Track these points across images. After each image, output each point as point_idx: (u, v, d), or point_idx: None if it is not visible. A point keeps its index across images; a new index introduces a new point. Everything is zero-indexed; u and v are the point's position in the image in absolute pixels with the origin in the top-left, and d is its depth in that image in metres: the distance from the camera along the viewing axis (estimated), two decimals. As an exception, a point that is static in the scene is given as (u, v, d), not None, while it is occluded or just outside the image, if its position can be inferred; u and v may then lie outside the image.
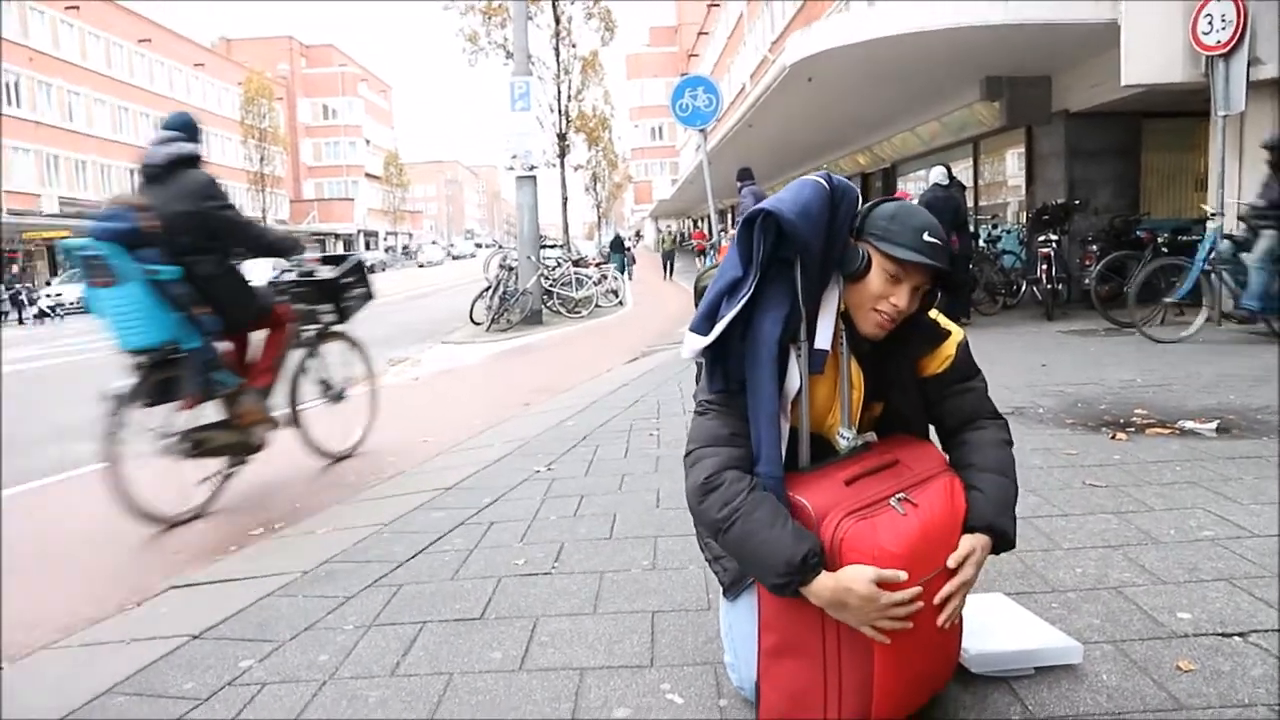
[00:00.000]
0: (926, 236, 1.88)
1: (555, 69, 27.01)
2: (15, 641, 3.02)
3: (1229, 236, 8.28)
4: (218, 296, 4.47)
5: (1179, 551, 2.91)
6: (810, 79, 11.95)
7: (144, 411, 4.29)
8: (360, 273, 5.67)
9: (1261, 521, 3.16)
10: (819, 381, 1.93)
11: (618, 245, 27.13)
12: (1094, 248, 10.32)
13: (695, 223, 45.61)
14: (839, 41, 10.42)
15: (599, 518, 3.64)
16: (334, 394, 5.69)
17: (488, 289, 13.94)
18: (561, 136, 26.04)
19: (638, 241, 55.39)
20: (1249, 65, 8.55)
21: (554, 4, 26.78)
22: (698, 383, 2.30)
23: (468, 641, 2.54)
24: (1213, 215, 8.72)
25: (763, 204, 1.85)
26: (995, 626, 2.29)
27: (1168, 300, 8.32)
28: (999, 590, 2.63)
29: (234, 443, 4.69)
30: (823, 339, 1.90)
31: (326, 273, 5.45)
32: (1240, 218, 8.19)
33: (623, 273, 15.55)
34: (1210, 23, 8.66)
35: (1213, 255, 8.22)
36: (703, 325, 1.89)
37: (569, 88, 27.95)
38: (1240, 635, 2.32)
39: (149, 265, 4.16)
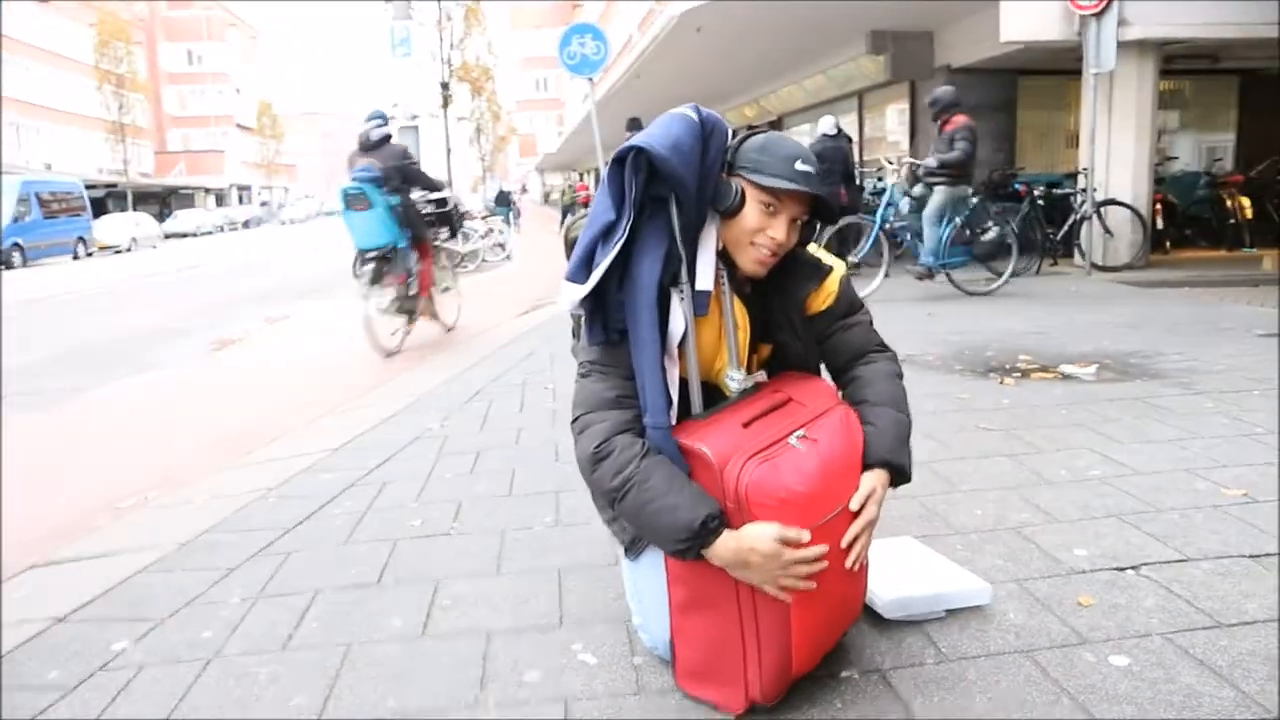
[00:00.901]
0: (799, 165, 1.83)
1: (437, 15, 26.05)
2: None
3: (908, 194, 8.64)
4: (411, 219, 7.22)
5: (1071, 491, 2.99)
6: (699, 29, 11.85)
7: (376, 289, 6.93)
8: (456, 207, 8.24)
9: (1142, 460, 3.28)
10: (703, 326, 1.86)
11: (503, 199, 26.63)
12: (973, 201, 10.60)
13: (580, 175, 45.13)
14: (727, -9, 10.33)
15: (497, 474, 3.52)
16: (443, 288, 8.12)
17: (371, 244, 13.44)
18: (444, 86, 25.22)
19: (523, 195, 54.54)
20: (1119, 25, 8.87)
21: (435, -53, 25.77)
22: (575, 338, 2.21)
23: (364, 609, 2.40)
24: (888, 167, 9.08)
25: (631, 140, 1.76)
26: (906, 571, 2.30)
27: (850, 259, 8.56)
28: (905, 534, 2.65)
29: (416, 308, 7.41)
30: (704, 279, 1.83)
31: (446, 206, 7.88)
32: (916, 176, 8.51)
33: (509, 226, 15.26)
34: (1084, -19, 8.92)
35: (893, 213, 8.59)
36: (579, 274, 1.80)
37: (451, 35, 27.03)
38: (1133, 569, 2.40)
39: (386, 197, 6.90)
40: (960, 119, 8.12)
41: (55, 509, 3.89)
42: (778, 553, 1.64)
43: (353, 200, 6.89)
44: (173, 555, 2.92)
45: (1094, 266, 9.36)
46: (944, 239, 8.23)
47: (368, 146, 7.26)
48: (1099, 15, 8.88)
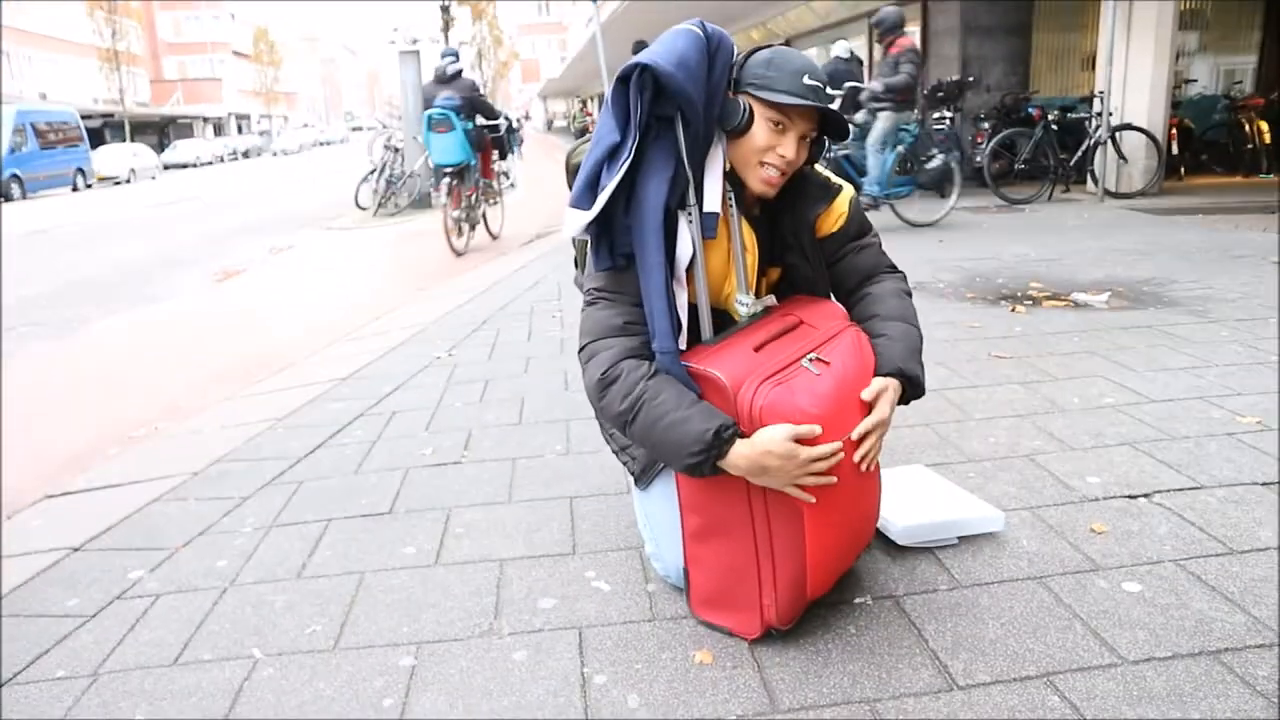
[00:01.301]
0: (807, 79, 1.77)
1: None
2: None
3: (852, 122, 8.29)
4: (481, 142, 8.72)
5: (1084, 419, 2.98)
6: (706, -52, 11.49)
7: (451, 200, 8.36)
8: (510, 130, 9.74)
9: (1156, 388, 3.26)
10: (711, 250, 1.82)
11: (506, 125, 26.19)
12: (985, 125, 10.42)
13: (584, 102, 44.38)
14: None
15: (506, 403, 3.51)
16: (493, 202, 9.48)
17: (372, 172, 13.26)
18: (444, 9, 24.66)
19: (526, 122, 53.64)
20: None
21: None
22: (577, 267, 2.17)
23: (377, 537, 2.42)
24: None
25: (635, 58, 1.70)
26: (918, 498, 2.29)
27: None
28: (918, 462, 2.64)
29: (478, 217, 9.00)
30: (711, 201, 1.79)
31: (499, 131, 9.15)
32: (858, 103, 8.11)
33: (512, 153, 15.05)
34: (1105, -106, 8.60)
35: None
36: (584, 199, 1.75)
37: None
38: (1145, 496, 2.39)
39: (463, 123, 8.35)
40: (905, 41, 7.77)
41: (66, 439, 3.90)
42: (793, 452, 1.62)
43: (437, 124, 8.31)
44: (185, 485, 2.94)
45: (1107, 193, 9.21)
46: (888, 167, 7.90)
47: (444, 79, 8.66)
48: (1121, -69, 8.59)
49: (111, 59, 43.65)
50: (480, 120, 8.72)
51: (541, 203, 11.63)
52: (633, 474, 2.02)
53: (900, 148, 7.87)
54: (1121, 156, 9.35)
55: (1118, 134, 9.27)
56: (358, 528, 2.49)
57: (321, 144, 63.38)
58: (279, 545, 2.42)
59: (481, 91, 8.84)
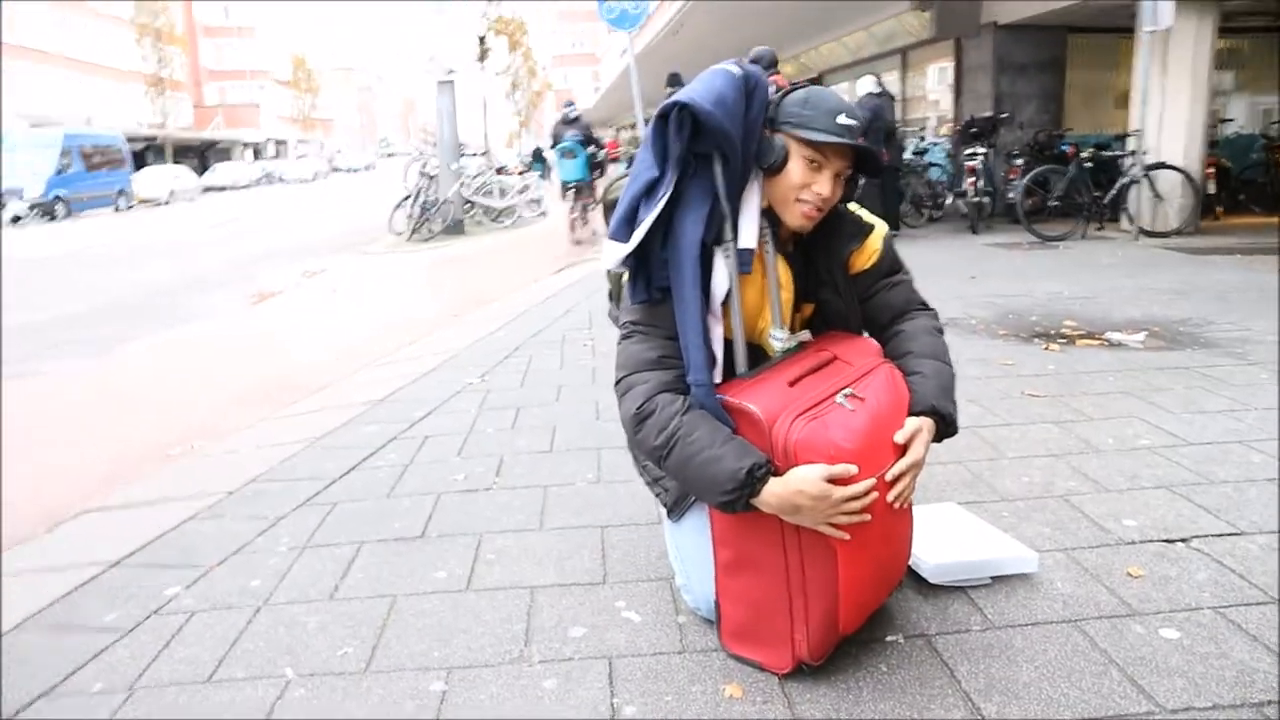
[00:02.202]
0: (842, 119, 1.79)
1: (474, -33, 25.81)
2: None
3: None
4: (594, 165, 11.78)
5: (1119, 460, 2.95)
6: (741, -18, 11.61)
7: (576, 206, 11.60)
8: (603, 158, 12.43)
9: (1194, 430, 3.22)
10: (746, 285, 1.84)
11: (539, 155, 26.49)
12: (1019, 161, 10.37)
13: (616, 131, 44.76)
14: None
15: (538, 430, 3.53)
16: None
17: (407, 198, 13.46)
18: (481, 39, 25.05)
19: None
20: (1177, -21, 8.56)
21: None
22: (611, 300, 2.19)
23: (409, 561, 2.43)
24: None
25: (675, 96, 1.73)
26: (951, 536, 2.28)
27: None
28: (950, 500, 2.62)
29: (589, 218, 11.52)
30: (747, 237, 1.81)
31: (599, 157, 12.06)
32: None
33: (544, 182, 15.16)
34: (1142, -66, 8.60)
35: None
36: (622, 231, 1.78)
37: (488, -12, 26.83)
38: (1183, 541, 2.36)
39: (585, 152, 11.59)
40: (778, 80, 7.81)
41: (105, 455, 3.97)
42: (827, 492, 1.62)
43: (567, 152, 11.59)
44: (221, 503, 2.97)
45: (1142, 231, 9.14)
46: None
47: (568, 121, 12.03)
48: (1157, -30, 8.58)
49: (157, 84, 44.65)
50: (592, 149, 11.81)
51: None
52: (665, 506, 2.02)
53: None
54: (1157, 195, 9.28)
55: (1153, 172, 9.21)
56: (390, 551, 2.51)
57: (343, 170, 61.00)
58: (312, 566, 2.44)
59: (591, 129, 12.34)
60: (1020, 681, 1.77)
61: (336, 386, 4.73)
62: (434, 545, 2.53)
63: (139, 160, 35.53)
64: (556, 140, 11.86)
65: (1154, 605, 2.04)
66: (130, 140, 33.56)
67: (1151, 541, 2.36)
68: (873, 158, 1.89)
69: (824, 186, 1.82)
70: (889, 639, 1.94)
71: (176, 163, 41.65)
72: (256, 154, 58.88)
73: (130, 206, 28.82)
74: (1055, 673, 1.80)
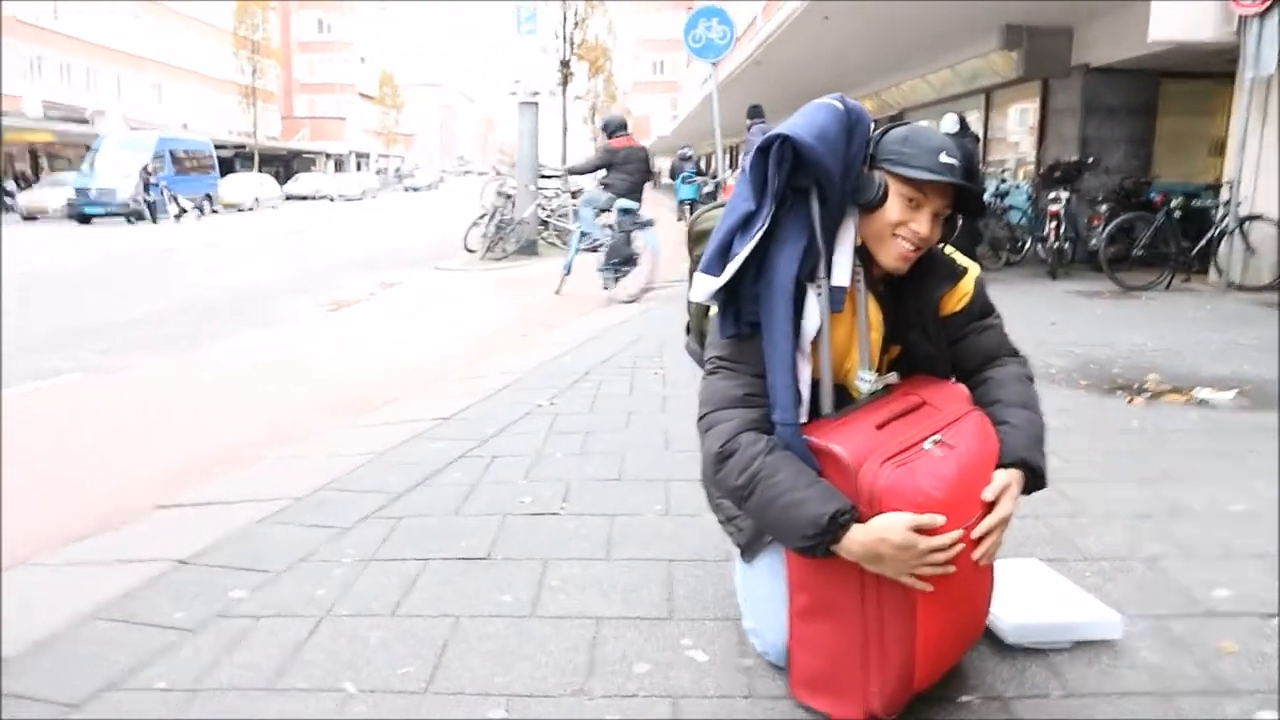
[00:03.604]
0: (943, 157, 1.75)
1: (560, -7, 26.28)
2: (-7, 556, 2.88)
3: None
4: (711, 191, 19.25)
5: (1210, 525, 2.81)
6: (827, 17, 11.60)
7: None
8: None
9: (1291, 497, 3.06)
10: (835, 324, 1.80)
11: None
12: (1103, 208, 10.12)
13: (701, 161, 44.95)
14: (861, -22, 10.07)
15: (606, 457, 3.51)
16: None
17: (483, 216, 13.65)
18: (564, 64, 25.43)
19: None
20: (1283, 26, 8.29)
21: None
22: (689, 334, 2.16)
23: (474, 582, 2.42)
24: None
25: (776, 129, 1.71)
26: (1031, 594, 2.19)
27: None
28: (1030, 556, 2.53)
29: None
30: (841, 274, 1.78)
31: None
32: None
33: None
34: (1246, -20, 8.37)
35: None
36: (715, 265, 1.76)
37: (574, 14, 27.24)
38: (1281, 617, 2.23)
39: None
40: (619, 142, 8.91)
41: (179, 452, 4.06)
42: (911, 542, 1.57)
43: (687, 179, 17.88)
44: (289, 509, 3.01)
45: (1232, 285, 8.83)
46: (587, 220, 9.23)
47: (685, 159, 19.17)
48: (1262, 15, 8.32)
49: (250, 95, 46.25)
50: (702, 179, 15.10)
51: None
52: (738, 546, 1.98)
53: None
54: (1249, 248, 8.95)
55: (1247, 224, 8.89)
56: (455, 570, 2.50)
57: (412, 188, 58.07)
58: (376, 579, 2.45)
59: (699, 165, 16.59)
60: (1104, 756, 1.68)
61: (406, 400, 4.78)
62: (499, 567, 2.52)
63: (227, 167, 36.74)
64: (675, 173, 18.25)
65: (1250, 684, 1.92)
66: (220, 147, 34.77)
67: (1246, 615, 2.23)
68: (974, 197, 1.84)
69: (923, 225, 1.78)
70: (962, 699, 1.86)
71: (262, 171, 42.98)
72: (338, 166, 60.47)
73: (215, 210, 29.69)
74: (1141, 749, 1.70)
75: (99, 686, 1.94)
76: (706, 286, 1.76)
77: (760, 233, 1.72)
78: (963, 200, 1.83)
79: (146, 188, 25.80)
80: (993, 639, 2.07)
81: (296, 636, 2.14)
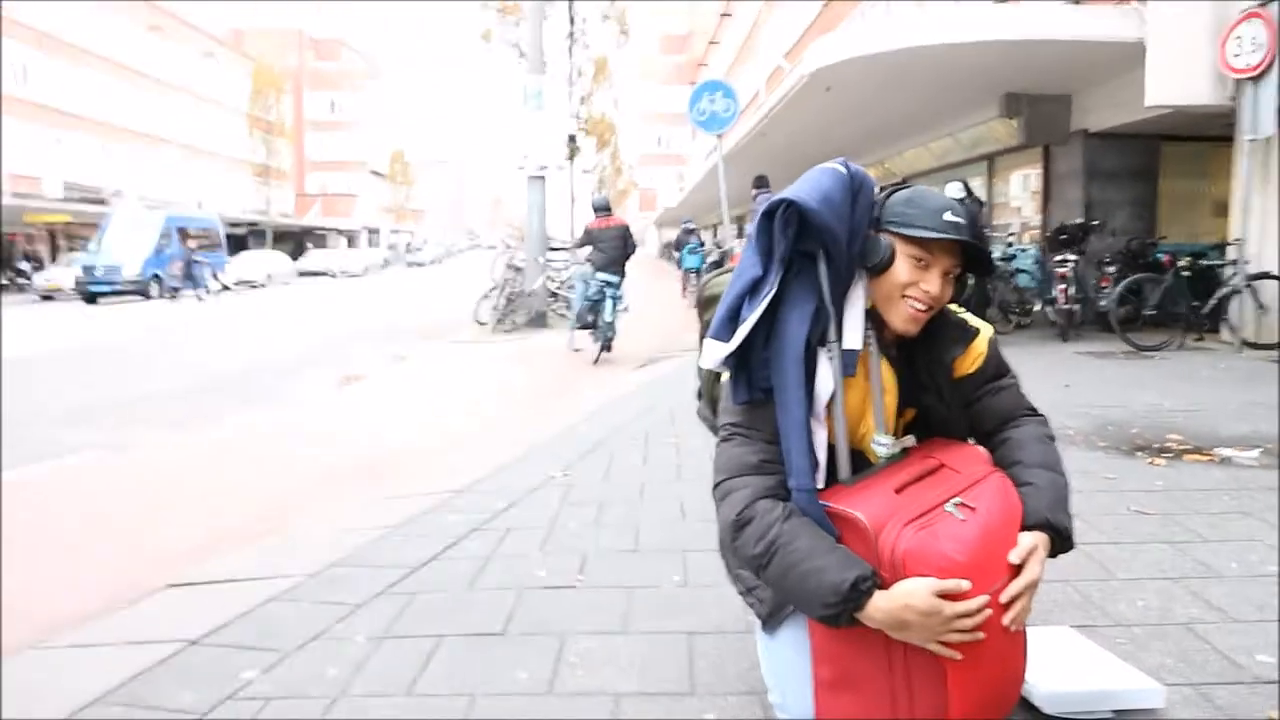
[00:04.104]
0: (948, 216, 1.74)
1: (568, 70, 26.84)
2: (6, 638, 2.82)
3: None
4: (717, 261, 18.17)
5: (1245, 587, 2.74)
6: (829, 88, 11.79)
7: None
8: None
9: (1326, 558, 2.98)
10: (849, 388, 1.77)
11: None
12: (1111, 269, 10.15)
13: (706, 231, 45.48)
14: (862, 51, 10.27)
15: (622, 528, 3.45)
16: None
17: (493, 289, 13.77)
18: (571, 139, 25.85)
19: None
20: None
21: (570, 4, 26.66)
22: (700, 399, 2.14)
23: (490, 659, 2.36)
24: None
25: (781, 194, 1.71)
26: (1066, 662, 2.12)
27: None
28: (1060, 623, 2.46)
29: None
30: (852, 338, 1.75)
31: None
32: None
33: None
34: (1240, 44, 8.52)
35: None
36: (724, 330, 1.74)
37: (581, 90, 27.83)
38: (1327, 683, 2.15)
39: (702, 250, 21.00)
40: (603, 222, 10.05)
41: (189, 531, 4.01)
42: (937, 608, 1.52)
43: (692, 250, 19.62)
44: (301, 586, 2.96)
45: (1244, 343, 8.79)
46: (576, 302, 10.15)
47: (689, 231, 21.07)
48: (1257, 79, 8.45)
49: (264, 174, 47.22)
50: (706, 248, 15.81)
51: (655, 325, 11.77)
52: (760, 617, 1.92)
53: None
54: (1260, 305, 8.94)
55: (1256, 282, 8.89)
56: (470, 646, 2.44)
57: (415, 264, 56.11)
58: (390, 658, 2.39)
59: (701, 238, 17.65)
60: (1153, 834, 1.60)
61: (418, 473, 4.74)
62: (515, 643, 2.46)
63: (240, 243, 37.25)
64: (680, 244, 20.90)
65: (1300, 755, 1.85)
66: (234, 225, 35.28)
67: (1291, 682, 2.15)
68: (982, 255, 1.83)
69: (932, 285, 1.77)
70: (1001, 774, 1.78)
71: (276, 247, 43.55)
72: (351, 242, 61.28)
73: (226, 287, 29.33)
74: (1192, 827, 1.62)
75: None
76: (717, 353, 1.75)
77: (769, 297, 1.71)
78: (971, 259, 1.83)
79: (189, 265, 26.02)
80: (1028, 709, 2.01)
81: (309, 717, 2.08)
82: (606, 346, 9.68)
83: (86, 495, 4.75)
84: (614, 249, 9.89)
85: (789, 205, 1.70)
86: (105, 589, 3.24)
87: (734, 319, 1.75)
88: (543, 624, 2.57)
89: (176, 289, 25.57)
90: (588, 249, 10.07)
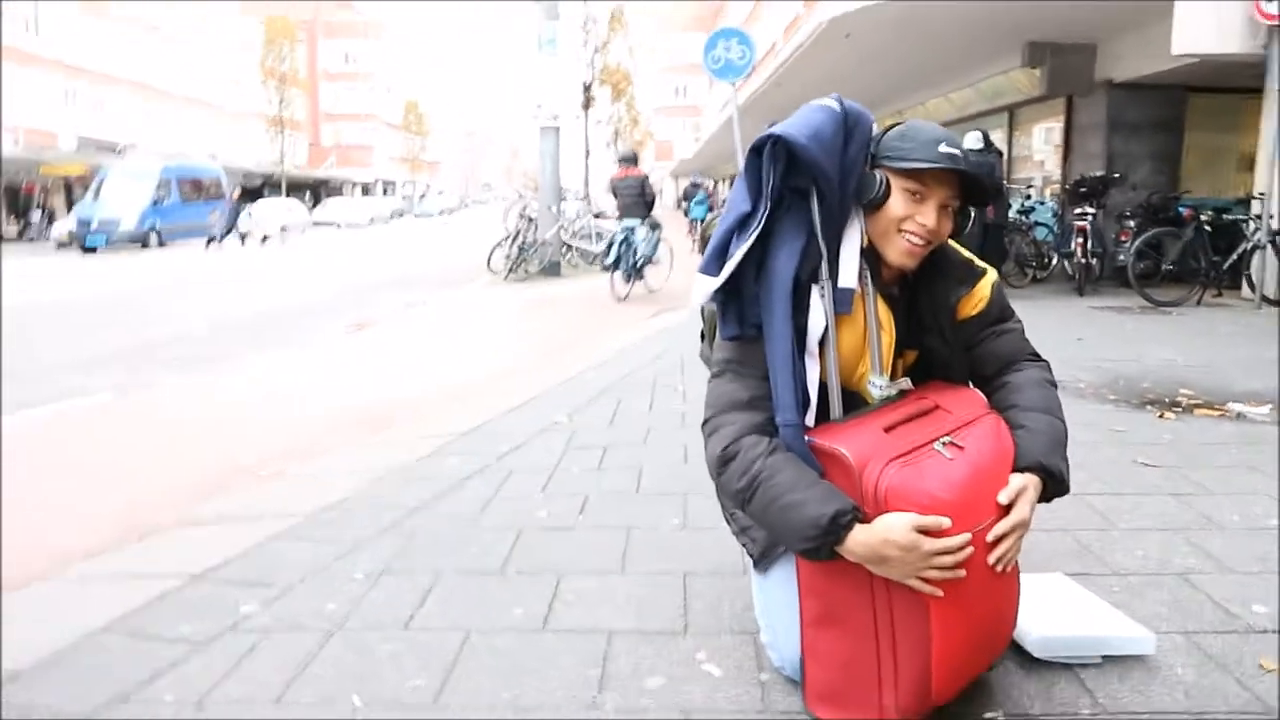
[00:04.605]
0: (943, 147, 1.72)
1: (582, 18, 26.50)
2: (11, 572, 2.87)
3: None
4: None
5: (1246, 540, 2.72)
6: (848, 35, 11.58)
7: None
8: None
9: (1331, 511, 2.96)
10: (845, 329, 1.76)
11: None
12: (1131, 223, 10.00)
13: (715, 184, 45.08)
14: (883, -4, 10.05)
15: (624, 471, 3.46)
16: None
17: (506, 238, 13.76)
18: (586, 88, 25.61)
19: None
20: (1311, 38, 8.19)
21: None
22: (704, 341, 2.14)
23: (486, 596, 2.38)
24: None
25: (769, 129, 1.69)
26: (1058, 609, 2.11)
27: None
28: (1056, 570, 2.45)
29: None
30: (847, 275, 1.74)
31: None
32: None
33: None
34: (1274, -8, 8.28)
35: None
36: (713, 265, 1.74)
37: (595, 38, 27.47)
38: (1323, 633, 2.14)
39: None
40: (634, 171, 10.85)
41: (200, 469, 4.05)
42: (916, 543, 1.52)
43: (697, 202, 22.31)
44: (303, 525, 2.98)
45: (1265, 300, 8.67)
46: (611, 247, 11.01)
47: (695, 185, 24.13)
48: (1289, 28, 8.22)
49: (278, 125, 46.92)
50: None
51: (668, 275, 11.70)
52: (752, 556, 1.93)
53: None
54: (1281, 264, 8.81)
55: (1278, 238, 8.75)
56: (467, 584, 2.46)
57: (419, 214, 55.13)
58: (388, 594, 2.41)
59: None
60: (1137, 775, 1.61)
61: (425, 416, 4.77)
62: (512, 581, 2.47)
63: (256, 195, 36.99)
64: (688, 196, 21.08)
65: (1290, 702, 1.84)
66: (248, 176, 35.01)
67: (1287, 631, 2.14)
68: (979, 184, 1.80)
69: (928, 217, 1.75)
70: (988, 715, 1.79)
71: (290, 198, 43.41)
72: (365, 192, 61.11)
73: (244, 237, 29.10)
74: (1177, 768, 1.63)
75: (107, 700, 1.91)
76: (704, 287, 1.75)
77: (757, 232, 1.71)
78: (970, 192, 1.80)
79: (235, 215, 25.68)
80: (1020, 654, 2.00)
81: (305, 650, 2.11)
82: (637, 275, 10.66)
83: (101, 435, 4.80)
84: (631, 198, 10.60)
85: (777, 141, 1.69)
86: (115, 526, 3.29)
87: (723, 254, 1.75)
88: (541, 563, 2.58)
89: (213, 237, 25.29)
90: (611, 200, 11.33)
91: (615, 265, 10.56)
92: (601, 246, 15.61)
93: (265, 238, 26.33)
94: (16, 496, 3.64)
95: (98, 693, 1.94)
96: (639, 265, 10.63)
